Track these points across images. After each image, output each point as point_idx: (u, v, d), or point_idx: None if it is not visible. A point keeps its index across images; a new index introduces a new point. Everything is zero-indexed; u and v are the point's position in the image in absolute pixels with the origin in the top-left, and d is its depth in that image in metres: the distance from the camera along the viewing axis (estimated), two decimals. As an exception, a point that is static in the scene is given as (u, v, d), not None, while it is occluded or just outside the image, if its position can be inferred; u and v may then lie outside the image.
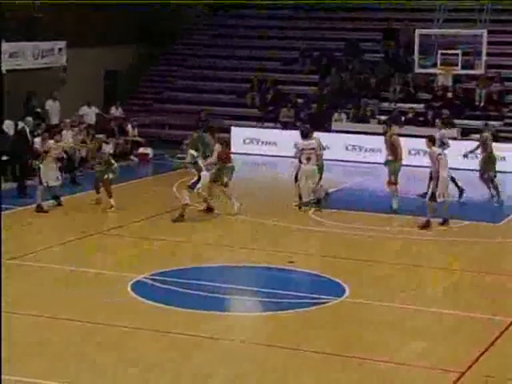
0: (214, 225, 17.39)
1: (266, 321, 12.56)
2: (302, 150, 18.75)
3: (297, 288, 13.75)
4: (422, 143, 24.95)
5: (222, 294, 13.45)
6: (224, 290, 13.63)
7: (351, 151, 26.77)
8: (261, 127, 29.13)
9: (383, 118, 28.21)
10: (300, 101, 29.98)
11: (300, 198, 19.13)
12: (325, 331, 11.81)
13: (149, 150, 26.67)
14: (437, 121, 23.11)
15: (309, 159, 18.64)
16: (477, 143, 21.64)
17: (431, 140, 18.18)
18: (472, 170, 21.74)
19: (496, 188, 20.24)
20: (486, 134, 21.29)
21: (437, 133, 20.65)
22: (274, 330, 12.02)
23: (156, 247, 16.13)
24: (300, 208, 18.94)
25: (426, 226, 17.39)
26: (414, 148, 25.38)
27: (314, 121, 27.58)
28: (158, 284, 13.70)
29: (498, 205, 20.01)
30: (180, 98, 31.44)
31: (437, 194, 17.30)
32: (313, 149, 18.76)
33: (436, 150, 18.02)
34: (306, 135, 19.09)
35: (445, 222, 17.65)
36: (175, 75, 32.98)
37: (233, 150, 27.15)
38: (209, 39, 34.41)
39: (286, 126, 28.74)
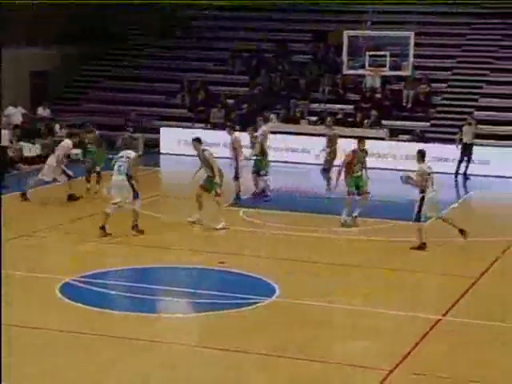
0: (145, 226, 17.26)
1: (197, 322, 12.54)
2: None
3: (228, 289, 13.75)
4: (352, 143, 25.36)
5: (154, 296, 13.39)
6: (156, 292, 13.58)
7: (282, 152, 26.87)
8: (191, 128, 29.05)
9: (313, 118, 28.48)
10: (230, 101, 30.03)
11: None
12: (258, 331, 11.84)
13: (76, 151, 26.34)
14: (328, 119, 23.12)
15: None
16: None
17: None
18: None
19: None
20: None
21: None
22: (207, 332, 12.02)
23: (87, 249, 15.96)
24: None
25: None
26: (343, 149, 25.61)
27: (244, 121, 27.63)
28: (87, 286, 13.55)
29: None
30: (109, 99, 31.19)
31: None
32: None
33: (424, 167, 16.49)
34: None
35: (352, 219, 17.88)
36: (105, 75, 32.71)
37: (162, 150, 27.14)
38: (141, 39, 34.22)
39: (216, 127, 28.72)
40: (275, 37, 32.76)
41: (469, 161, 24.32)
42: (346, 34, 26.98)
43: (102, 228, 16.63)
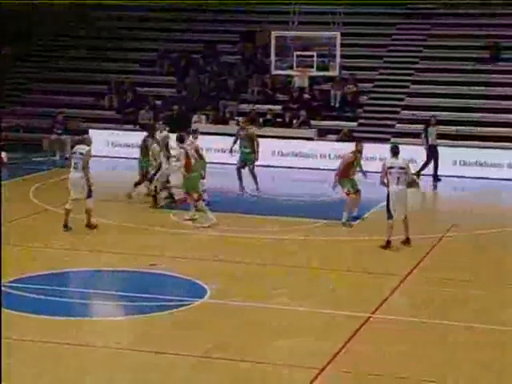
0: (73, 229, 17.09)
1: (129, 325, 12.46)
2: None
3: (158, 291, 13.69)
4: (281, 144, 25.61)
5: (84, 300, 13.26)
6: (86, 296, 13.46)
7: (212, 153, 26.83)
8: (119, 129, 28.86)
9: (242, 119, 28.53)
10: (159, 103, 29.90)
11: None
12: (188, 333, 11.82)
13: (3, 154, 25.94)
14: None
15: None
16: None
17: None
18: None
19: None
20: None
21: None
22: (138, 334, 11.94)
23: (13, 253, 15.69)
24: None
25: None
26: (273, 149, 25.87)
27: (173, 123, 27.53)
28: (14, 291, 13.33)
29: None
30: (36, 101, 30.78)
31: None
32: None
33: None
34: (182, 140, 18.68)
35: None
36: (32, 77, 32.28)
37: (93, 152, 26.79)
38: (65, 40, 33.85)
39: (144, 128, 28.54)
40: (203, 37, 32.73)
41: (436, 162, 24.49)
42: (274, 34, 27.09)
43: (65, 226, 16.95)
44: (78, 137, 18.87)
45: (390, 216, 16.26)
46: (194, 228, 17.85)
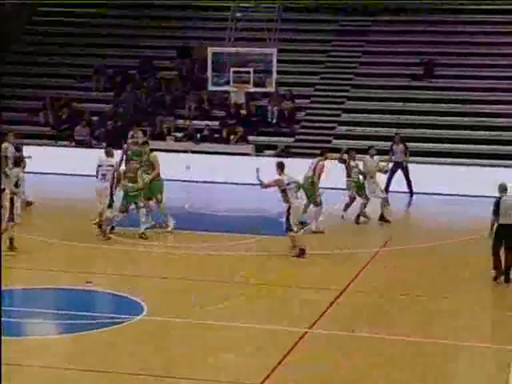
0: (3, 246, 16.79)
1: (65, 343, 12.26)
2: (99, 166, 18.38)
3: (95, 308, 13.55)
4: (218, 160, 25.60)
5: (18, 318, 12.99)
6: (19, 314, 13.18)
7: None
8: (54, 145, 28.55)
9: (179, 135, 28.50)
10: (95, 118, 29.67)
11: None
12: (124, 350, 11.68)
13: None
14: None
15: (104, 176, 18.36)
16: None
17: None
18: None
19: None
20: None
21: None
22: (73, 353, 11.77)
23: None
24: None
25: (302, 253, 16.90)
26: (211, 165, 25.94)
27: (110, 138, 27.36)
28: None
29: None
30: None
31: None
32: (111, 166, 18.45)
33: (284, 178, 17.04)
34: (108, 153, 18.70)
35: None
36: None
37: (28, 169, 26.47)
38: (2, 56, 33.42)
39: (80, 144, 28.36)
40: (139, 53, 32.61)
41: (407, 179, 24.77)
42: (210, 50, 27.11)
43: (103, 232, 17.60)
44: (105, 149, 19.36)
45: (291, 228, 16.74)
46: (134, 245, 17.69)
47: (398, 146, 24.96)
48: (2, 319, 12.63)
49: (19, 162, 19.50)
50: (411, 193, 24.87)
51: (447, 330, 12.90)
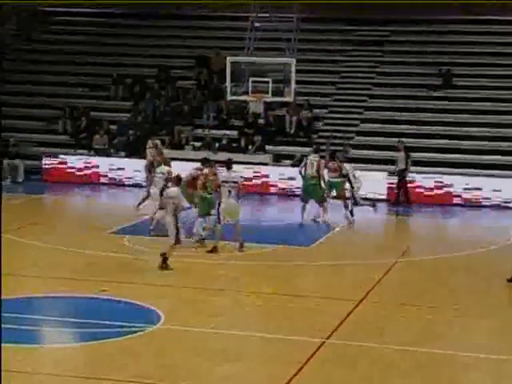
0: (19, 254, 16.86)
1: (80, 352, 12.26)
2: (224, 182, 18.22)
3: (111, 317, 13.52)
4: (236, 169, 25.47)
5: (34, 326, 13.05)
6: (35, 322, 13.23)
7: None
8: (73, 154, 28.71)
9: (197, 144, 28.55)
10: (113, 127, 29.78)
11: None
12: (140, 359, 11.68)
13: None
14: None
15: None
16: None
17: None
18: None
19: None
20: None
21: None
22: (89, 361, 11.77)
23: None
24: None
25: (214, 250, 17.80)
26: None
27: (129, 148, 27.47)
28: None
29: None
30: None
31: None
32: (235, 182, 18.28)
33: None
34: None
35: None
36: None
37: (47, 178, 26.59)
38: (16, 65, 33.63)
39: (98, 153, 28.49)
40: (158, 62, 32.73)
41: (404, 187, 24.90)
42: (229, 59, 27.17)
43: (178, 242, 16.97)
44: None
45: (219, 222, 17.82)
46: (149, 253, 17.71)
47: (399, 154, 25.03)
48: (19, 327, 12.73)
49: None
50: (408, 201, 24.84)
51: (464, 341, 12.83)
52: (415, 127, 28.67)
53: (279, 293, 15.18)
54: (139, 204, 21.41)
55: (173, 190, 16.86)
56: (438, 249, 19.13)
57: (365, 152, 27.49)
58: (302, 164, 22.03)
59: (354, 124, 29.48)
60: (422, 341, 12.70)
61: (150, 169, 21.36)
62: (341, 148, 25.93)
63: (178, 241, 16.59)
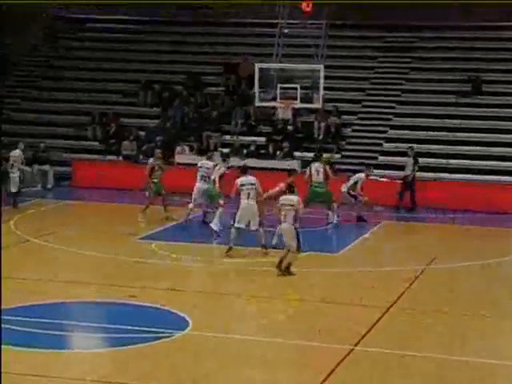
0: (45, 259, 16.95)
1: (109, 357, 12.31)
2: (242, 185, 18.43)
3: (139, 322, 13.55)
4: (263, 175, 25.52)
5: (63, 332, 13.12)
6: (65, 327, 13.31)
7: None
8: (103, 160, 28.87)
9: (226, 150, 28.58)
10: (142, 133, 29.92)
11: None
12: (169, 365, 11.71)
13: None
14: None
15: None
16: None
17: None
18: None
19: None
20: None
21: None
22: (118, 366, 11.80)
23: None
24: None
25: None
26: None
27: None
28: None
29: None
30: (17, 132, 30.65)
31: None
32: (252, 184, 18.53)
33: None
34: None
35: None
36: (11, 108, 32.22)
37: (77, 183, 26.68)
38: (46, 71, 33.91)
39: (127, 159, 28.64)
40: (186, 69, 32.84)
41: (412, 191, 24.84)
42: (257, 66, 27.21)
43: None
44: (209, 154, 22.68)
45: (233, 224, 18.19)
46: (176, 259, 17.76)
47: (409, 159, 25.06)
48: (48, 332, 12.81)
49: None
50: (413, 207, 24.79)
51: (491, 348, 12.73)
52: (444, 134, 28.52)
53: (307, 299, 15.16)
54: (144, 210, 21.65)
55: (291, 199, 16.66)
56: (467, 256, 19.01)
57: (394, 159, 27.36)
58: (308, 173, 22.07)
59: (383, 131, 29.39)
60: (454, 348, 12.62)
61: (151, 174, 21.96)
62: (367, 159, 26.13)
63: (299, 247, 16.47)
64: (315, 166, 22.20)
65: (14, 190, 23.51)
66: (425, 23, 32.10)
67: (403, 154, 26.55)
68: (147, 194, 21.91)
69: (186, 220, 21.27)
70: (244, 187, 18.19)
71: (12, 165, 23.72)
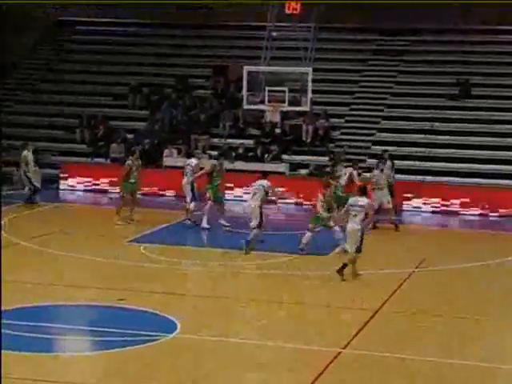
0: (39, 263, 16.87)
1: (96, 360, 12.26)
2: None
3: (127, 326, 13.49)
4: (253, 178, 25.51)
5: (51, 335, 13.05)
6: (53, 331, 13.23)
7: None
8: (90, 163, 28.80)
9: (214, 153, 28.53)
10: (130, 136, 29.86)
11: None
12: (157, 368, 11.66)
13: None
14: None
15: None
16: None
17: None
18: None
19: None
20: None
21: None
22: (105, 370, 11.75)
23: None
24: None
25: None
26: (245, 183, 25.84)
27: (145, 156, 27.44)
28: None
29: None
30: (7, 133, 30.55)
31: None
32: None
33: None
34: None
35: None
36: (2, 110, 32.11)
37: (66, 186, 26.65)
38: (37, 74, 33.82)
39: (116, 162, 28.54)
40: (175, 72, 32.81)
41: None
42: (246, 69, 27.20)
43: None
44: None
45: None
46: (165, 262, 17.72)
47: (387, 163, 24.99)
48: (35, 335, 12.75)
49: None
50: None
51: (482, 352, 12.73)
52: (432, 137, 28.58)
53: (298, 303, 15.14)
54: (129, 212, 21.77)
55: (362, 200, 16.60)
56: (456, 258, 19.03)
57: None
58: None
59: (371, 134, 29.42)
60: (442, 351, 12.62)
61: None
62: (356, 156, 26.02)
63: (359, 249, 16.44)
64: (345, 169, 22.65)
65: (38, 185, 24.70)
66: (414, 26, 32.18)
67: (392, 156, 26.58)
68: (122, 194, 21.91)
69: (194, 220, 21.36)
70: (252, 188, 19.31)
71: (27, 164, 24.51)
